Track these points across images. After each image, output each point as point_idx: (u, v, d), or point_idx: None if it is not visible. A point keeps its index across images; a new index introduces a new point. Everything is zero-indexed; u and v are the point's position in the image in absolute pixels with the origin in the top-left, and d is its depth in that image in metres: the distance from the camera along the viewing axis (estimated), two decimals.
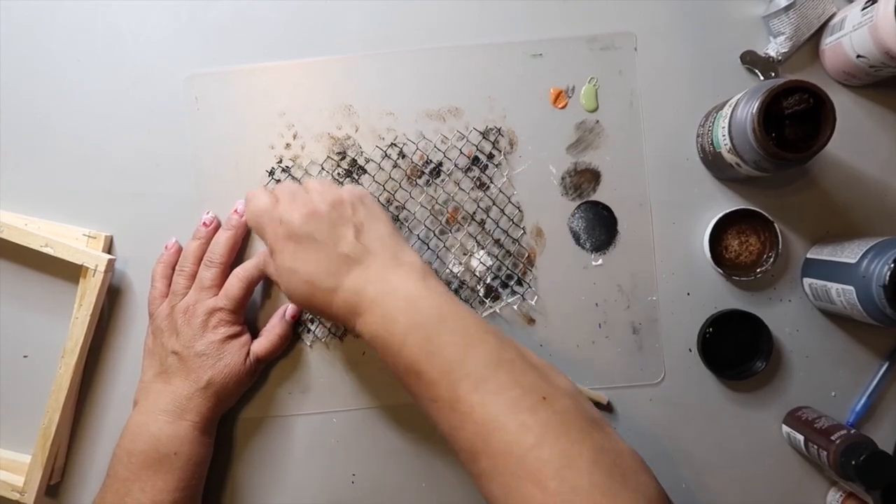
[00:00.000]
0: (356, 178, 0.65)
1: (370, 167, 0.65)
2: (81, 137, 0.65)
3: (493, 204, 0.65)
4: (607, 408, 0.64)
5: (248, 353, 0.61)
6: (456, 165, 0.65)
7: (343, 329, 0.65)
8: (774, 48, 0.64)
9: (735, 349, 0.63)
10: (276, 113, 0.65)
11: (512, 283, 0.65)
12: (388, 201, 0.65)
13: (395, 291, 0.50)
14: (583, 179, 0.65)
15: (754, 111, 0.53)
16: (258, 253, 0.64)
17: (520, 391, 0.46)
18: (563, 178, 0.65)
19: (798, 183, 0.64)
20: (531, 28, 0.65)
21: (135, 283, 0.65)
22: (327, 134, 0.65)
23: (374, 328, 0.49)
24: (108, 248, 0.65)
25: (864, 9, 0.57)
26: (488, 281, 0.65)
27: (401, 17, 0.65)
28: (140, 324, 0.64)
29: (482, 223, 0.65)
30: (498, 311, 0.65)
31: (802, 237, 0.64)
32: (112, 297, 0.65)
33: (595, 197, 0.65)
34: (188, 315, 0.60)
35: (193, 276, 0.61)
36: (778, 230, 0.62)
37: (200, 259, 0.62)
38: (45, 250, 0.61)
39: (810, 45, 0.64)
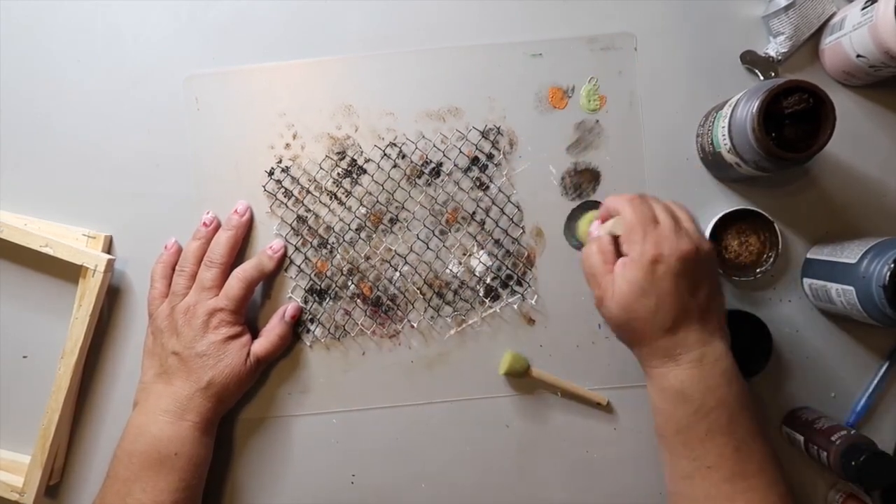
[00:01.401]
0: (356, 177, 0.65)
1: (370, 167, 0.65)
2: (81, 137, 0.65)
3: (493, 204, 0.65)
4: (607, 408, 0.64)
5: (248, 354, 0.61)
6: (456, 165, 0.65)
7: (342, 330, 0.65)
8: (774, 48, 0.64)
9: (735, 349, 0.62)
10: (276, 113, 0.65)
11: (512, 283, 0.65)
12: (388, 201, 0.65)
13: (717, 362, 0.52)
14: (583, 179, 0.65)
15: (754, 111, 0.53)
16: (258, 253, 0.64)
17: (785, 489, 0.53)
18: (562, 178, 0.65)
19: (798, 183, 0.64)
20: (531, 28, 0.65)
21: (134, 284, 0.65)
22: (327, 134, 0.65)
23: (684, 384, 0.52)
24: (108, 248, 0.65)
25: (863, 8, 0.57)
26: (488, 281, 0.65)
27: (401, 18, 0.65)
28: (140, 324, 0.64)
29: (482, 223, 0.65)
30: (498, 311, 0.65)
31: (802, 237, 0.64)
32: (112, 298, 0.65)
33: (595, 197, 0.65)
34: (189, 315, 0.60)
35: (194, 277, 0.61)
36: (778, 230, 0.62)
37: (200, 259, 0.62)
38: (44, 250, 0.61)
39: (810, 44, 0.64)
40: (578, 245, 0.65)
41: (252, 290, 0.62)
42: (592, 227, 0.57)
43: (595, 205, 0.65)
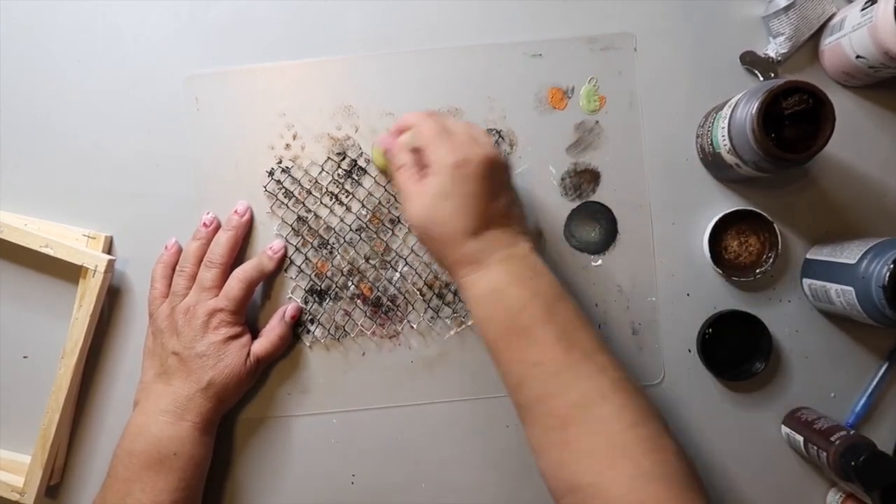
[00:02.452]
0: (356, 178, 0.65)
1: (370, 167, 0.65)
2: (81, 137, 0.65)
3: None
4: None
5: (248, 354, 0.61)
6: None
7: (342, 330, 0.65)
8: (774, 49, 0.64)
9: (734, 350, 0.63)
10: (276, 113, 0.65)
11: None
12: (388, 202, 0.65)
13: (524, 258, 0.53)
14: (582, 180, 0.65)
15: (754, 111, 0.53)
16: (258, 253, 0.64)
17: (620, 374, 0.50)
18: (562, 179, 0.65)
19: (797, 183, 0.64)
20: (531, 28, 0.65)
21: (135, 284, 0.65)
22: (327, 134, 0.65)
23: (495, 283, 0.52)
24: (108, 248, 0.65)
25: (863, 9, 0.57)
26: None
27: (401, 18, 0.65)
28: (140, 324, 0.64)
29: None
30: None
31: (802, 237, 0.64)
32: (112, 298, 0.65)
33: (595, 197, 0.65)
34: (189, 316, 0.60)
35: (194, 277, 0.61)
36: (777, 230, 0.62)
37: (201, 259, 0.62)
38: (44, 251, 0.62)
39: (810, 45, 0.64)
40: (578, 245, 0.64)
41: (252, 290, 0.62)
42: (384, 141, 0.58)
43: (595, 206, 0.65)
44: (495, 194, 0.53)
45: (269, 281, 0.65)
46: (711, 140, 0.60)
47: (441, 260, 0.55)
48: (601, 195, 0.65)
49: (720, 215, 0.62)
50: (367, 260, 0.65)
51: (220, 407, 0.60)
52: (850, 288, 0.56)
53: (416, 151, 0.54)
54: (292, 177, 0.65)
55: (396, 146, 0.56)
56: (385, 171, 0.64)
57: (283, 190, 0.65)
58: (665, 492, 0.46)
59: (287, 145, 0.65)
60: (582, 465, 0.48)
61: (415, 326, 0.65)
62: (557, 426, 0.49)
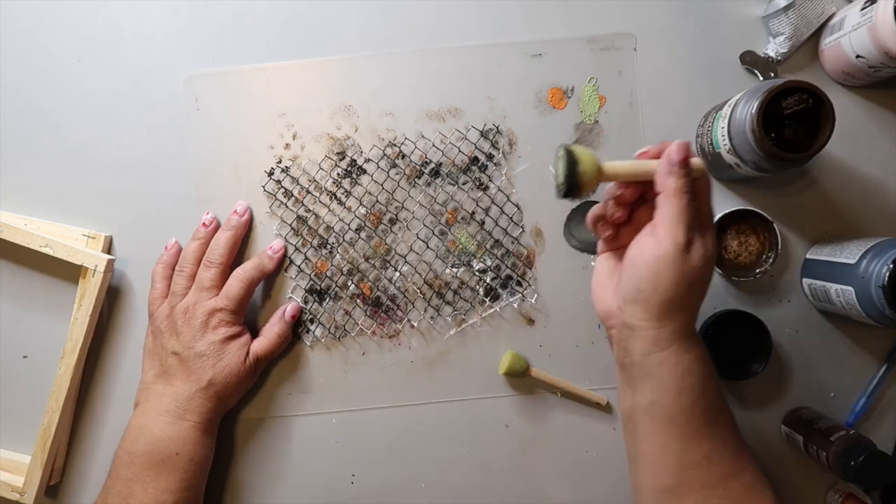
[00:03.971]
0: (356, 178, 0.65)
1: (369, 167, 0.65)
2: (81, 137, 0.65)
3: (493, 203, 0.65)
4: (607, 408, 0.64)
5: (248, 354, 0.61)
6: (455, 165, 0.65)
7: (342, 330, 0.65)
8: (774, 48, 0.64)
9: (734, 349, 0.63)
10: (276, 113, 0.65)
11: (512, 282, 0.65)
12: (388, 201, 0.65)
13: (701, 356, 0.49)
14: None
15: (753, 111, 0.53)
16: (258, 253, 0.64)
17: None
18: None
19: (797, 183, 0.64)
20: (531, 28, 0.65)
21: (134, 284, 0.65)
22: (327, 134, 0.65)
23: (706, 362, 0.49)
24: (108, 248, 0.65)
25: (863, 9, 0.57)
26: (488, 281, 0.65)
27: (400, 18, 0.65)
28: (140, 324, 0.64)
29: (482, 223, 0.65)
30: (498, 310, 0.65)
31: (802, 237, 0.64)
32: (112, 298, 0.65)
33: (595, 197, 0.65)
34: (188, 316, 0.60)
35: (193, 277, 0.61)
36: (777, 230, 0.62)
37: (200, 259, 0.62)
38: (44, 251, 0.62)
39: (810, 45, 0.64)
40: (578, 245, 0.65)
41: (252, 290, 0.62)
42: (679, 149, 0.47)
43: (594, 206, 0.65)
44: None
45: (269, 281, 0.65)
46: (711, 140, 0.60)
47: (680, 311, 0.48)
48: (601, 195, 0.65)
49: (720, 215, 0.62)
50: (366, 259, 0.65)
51: (220, 406, 0.60)
52: (850, 288, 0.56)
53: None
54: (292, 176, 0.65)
55: (686, 162, 0.47)
56: (512, 374, 0.63)
57: (283, 189, 0.65)
58: None
59: (287, 145, 0.65)
60: None
61: (415, 326, 0.65)
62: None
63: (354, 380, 0.65)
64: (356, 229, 0.65)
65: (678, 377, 0.48)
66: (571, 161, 0.47)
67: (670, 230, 0.46)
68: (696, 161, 0.48)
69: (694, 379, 0.48)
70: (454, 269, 0.65)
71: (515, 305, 0.65)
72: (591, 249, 0.65)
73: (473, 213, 0.65)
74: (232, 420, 0.65)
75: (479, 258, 0.65)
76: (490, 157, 0.65)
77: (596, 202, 0.64)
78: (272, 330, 0.63)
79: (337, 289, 0.65)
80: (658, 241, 0.46)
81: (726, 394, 0.64)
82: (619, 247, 0.53)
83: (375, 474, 0.65)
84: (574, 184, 0.47)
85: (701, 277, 0.47)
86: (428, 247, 0.65)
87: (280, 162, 0.65)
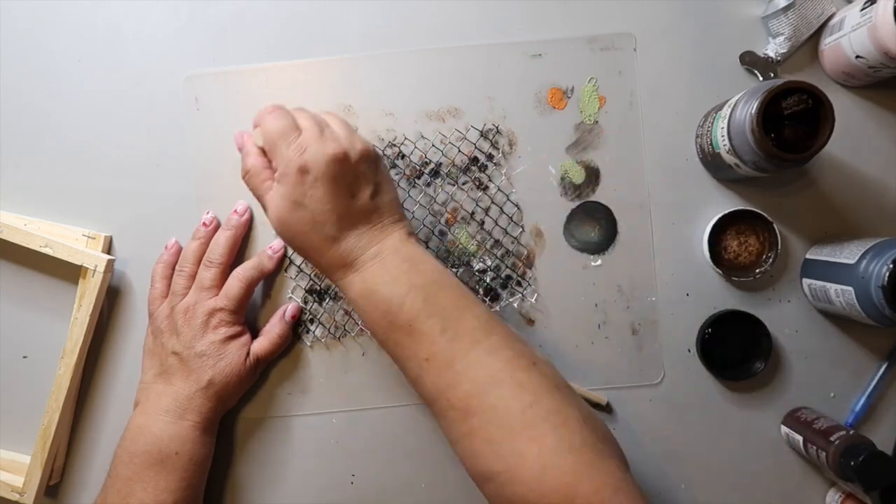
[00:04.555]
0: None
1: None
2: (81, 137, 0.65)
3: (493, 203, 0.65)
4: (606, 408, 0.64)
5: (248, 353, 0.61)
6: (455, 166, 0.65)
7: (342, 330, 0.65)
8: (773, 49, 0.64)
9: (734, 350, 0.63)
10: None
11: (511, 283, 0.65)
12: None
13: (396, 251, 0.51)
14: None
15: (753, 112, 0.53)
16: (258, 253, 0.64)
17: (512, 353, 0.49)
18: (562, 179, 0.65)
19: (797, 183, 0.64)
20: (531, 28, 0.65)
21: (134, 284, 0.65)
22: None
23: (371, 284, 0.50)
24: (108, 248, 0.65)
25: (862, 9, 0.57)
26: (488, 281, 0.65)
27: (400, 18, 0.65)
28: (140, 324, 0.64)
29: (482, 223, 0.65)
30: (498, 310, 0.65)
31: (801, 238, 0.64)
32: (112, 298, 0.65)
33: (594, 197, 0.65)
34: (188, 315, 0.60)
35: (193, 277, 0.61)
36: (777, 231, 0.62)
37: (200, 259, 0.62)
38: (44, 251, 0.62)
39: (809, 45, 0.64)
40: (578, 245, 0.65)
41: (252, 289, 0.62)
42: (237, 138, 0.55)
43: (595, 206, 0.65)
44: (353, 191, 0.51)
45: (269, 281, 0.65)
46: (711, 140, 0.60)
47: (309, 260, 0.53)
48: (601, 195, 0.65)
49: (720, 215, 0.62)
50: None
51: (220, 406, 0.60)
52: (850, 288, 0.56)
53: (264, 153, 0.52)
54: None
55: (247, 145, 0.53)
56: None
57: None
58: (576, 464, 0.45)
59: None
60: (489, 454, 0.47)
61: None
62: (459, 418, 0.48)
63: (354, 380, 0.65)
64: None
65: (355, 309, 0.53)
66: None
67: None
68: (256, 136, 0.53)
69: (362, 308, 0.51)
70: (454, 270, 0.65)
71: (515, 305, 0.65)
72: (591, 249, 0.65)
73: (473, 213, 0.65)
74: (232, 420, 0.65)
75: (479, 258, 0.65)
76: (490, 157, 0.65)
77: (597, 202, 0.65)
78: (272, 330, 0.63)
79: (337, 289, 0.65)
80: None
81: (727, 395, 0.64)
82: None
83: (375, 474, 0.65)
84: None
85: (282, 232, 0.52)
86: (428, 246, 0.65)
87: None
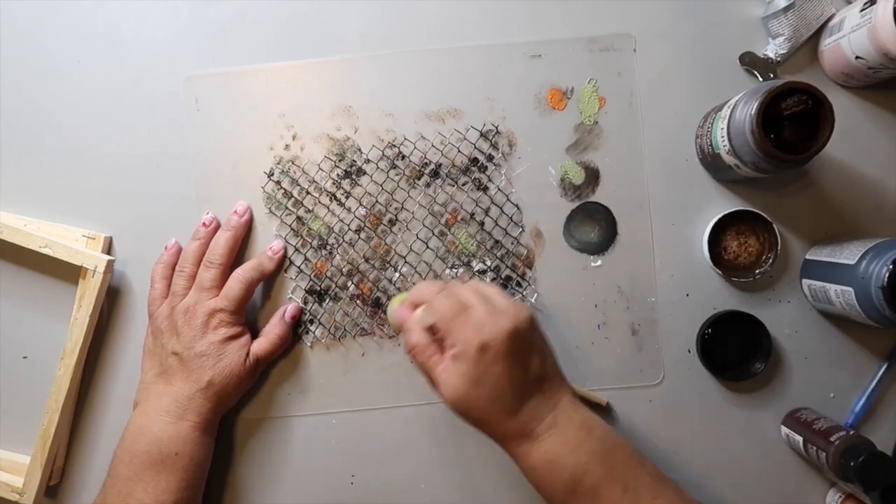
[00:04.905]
0: (355, 178, 0.65)
1: (369, 168, 0.65)
2: (81, 137, 0.65)
3: (493, 204, 0.65)
4: (607, 408, 0.64)
5: (248, 354, 0.61)
6: (455, 166, 0.65)
7: (342, 330, 0.65)
8: (773, 49, 0.64)
9: (734, 350, 0.63)
10: (276, 114, 0.65)
11: (511, 283, 0.65)
12: (387, 202, 0.65)
13: (570, 419, 0.52)
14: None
15: (753, 112, 0.53)
16: (258, 254, 0.64)
17: (683, 501, 0.52)
18: (562, 179, 0.65)
19: (797, 184, 0.64)
20: (531, 29, 0.65)
21: (134, 284, 0.65)
22: (326, 135, 0.65)
23: (552, 455, 0.51)
24: (108, 248, 0.65)
25: (862, 10, 0.57)
26: (488, 281, 0.65)
27: (400, 18, 0.65)
28: (140, 324, 0.64)
29: (482, 224, 0.65)
30: None
31: (801, 238, 0.64)
32: (112, 298, 0.65)
33: (594, 198, 0.65)
34: (188, 316, 0.60)
35: (193, 277, 0.61)
36: (777, 231, 0.62)
37: (200, 260, 0.62)
38: (44, 251, 0.62)
39: (809, 46, 0.64)
40: (578, 245, 0.65)
41: (252, 290, 0.62)
42: (399, 315, 0.55)
43: (594, 206, 0.65)
44: (526, 363, 0.51)
45: (269, 281, 0.65)
46: (711, 141, 0.60)
47: (483, 432, 0.53)
48: (600, 196, 0.65)
49: (719, 216, 0.62)
50: (366, 260, 0.65)
51: (219, 407, 0.60)
52: (850, 288, 0.56)
53: (432, 330, 0.52)
54: (291, 177, 0.65)
55: (410, 323, 0.53)
56: (399, 332, 0.63)
57: (283, 190, 0.65)
58: None
59: (286, 146, 0.65)
60: None
61: None
62: None
63: (354, 380, 0.65)
64: (356, 230, 0.65)
65: (529, 476, 0.53)
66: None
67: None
68: (418, 316, 0.53)
69: (541, 476, 0.51)
70: (454, 270, 0.65)
71: None
72: (591, 249, 0.65)
73: (473, 213, 0.65)
74: (232, 420, 0.65)
75: (479, 258, 0.65)
76: (490, 157, 0.65)
77: (597, 203, 0.65)
78: (272, 331, 0.63)
79: (337, 289, 0.65)
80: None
81: (727, 395, 0.64)
82: None
83: (375, 474, 0.65)
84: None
85: (458, 408, 0.51)
86: (428, 247, 0.65)
87: (280, 162, 0.65)
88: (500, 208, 0.65)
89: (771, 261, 0.62)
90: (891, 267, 0.52)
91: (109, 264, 0.62)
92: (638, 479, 0.51)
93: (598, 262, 0.65)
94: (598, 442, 0.51)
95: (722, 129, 0.58)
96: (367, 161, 0.65)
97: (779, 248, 0.62)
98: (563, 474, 0.50)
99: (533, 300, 0.65)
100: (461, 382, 0.50)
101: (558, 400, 0.52)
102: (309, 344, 0.65)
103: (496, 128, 0.65)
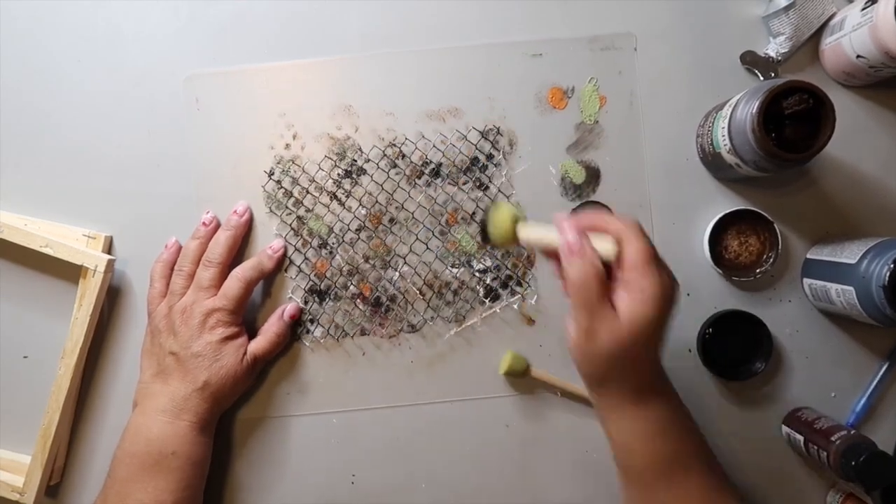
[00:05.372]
0: (355, 178, 0.65)
1: (369, 167, 0.65)
2: (81, 137, 0.65)
3: (493, 203, 0.65)
4: None
5: (245, 354, 0.61)
6: (455, 166, 0.65)
7: (342, 330, 0.65)
8: (774, 48, 0.64)
9: (735, 350, 0.63)
10: (276, 113, 0.65)
11: (512, 283, 0.65)
12: (388, 202, 0.65)
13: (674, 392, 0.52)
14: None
15: (754, 111, 0.53)
16: (258, 253, 0.64)
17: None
18: (562, 179, 0.65)
19: (798, 183, 0.64)
20: (531, 28, 0.65)
21: (135, 284, 0.65)
22: (327, 134, 0.65)
23: (670, 414, 0.50)
24: (108, 248, 0.65)
25: (863, 9, 0.57)
26: (488, 281, 0.65)
27: (400, 18, 0.65)
28: (140, 324, 0.64)
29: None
30: (498, 311, 0.65)
31: (802, 237, 0.64)
32: (112, 298, 0.65)
33: (595, 197, 0.65)
34: (186, 315, 0.60)
35: (192, 276, 0.61)
36: (778, 230, 0.62)
37: (199, 259, 0.62)
38: (44, 251, 0.62)
39: (810, 45, 0.64)
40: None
41: (251, 290, 0.62)
42: (570, 239, 0.47)
43: (595, 206, 0.65)
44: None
45: (269, 281, 0.65)
46: (711, 140, 0.60)
47: (607, 382, 0.49)
48: (601, 195, 0.65)
49: (720, 215, 0.62)
50: (366, 260, 0.65)
51: (216, 407, 0.60)
52: (851, 288, 0.56)
53: (606, 265, 0.47)
54: (292, 177, 0.65)
55: (588, 250, 0.47)
56: (512, 374, 0.63)
57: (283, 190, 0.65)
58: None
59: (287, 145, 0.65)
60: None
61: (415, 326, 0.65)
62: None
63: (354, 380, 0.65)
64: (356, 230, 0.65)
65: (619, 440, 0.51)
66: (485, 221, 0.51)
67: (575, 319, 0.48)
68: (606, 249, 0.48)
69: (636, 441, 0.50)
70: (454, 270, 0.65)
71: (515, 306, 0.65)
72: None
73: (473, 213, 0.65)
74: (231, 420, 0.65)
75: (479, 258, 0.65)
76: (490, 157, 0.65)
77: (597, 202, 0.64)
78: (270, 329, 0.63)
79: (337, 289, 0.65)
80: (568, 329, 0.49)
81: (727, 395, 0.64)
82: None
83: (375, 474, 0.65)
84: (486, 239, 0.50)
85: (618, 355, 0.47)
86: (428, 247, 0.65)
87: (280, 162, 0.65)
88: None
89: (772, 260, 0.62)
90: (892, 266, 0.52)
91: (110, 264, 0.62)
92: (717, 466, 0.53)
93: None
94: (692, 421, 0.52)
95: (723, 128, 0.58)
96: (368, 160, 0.65)
97: (780, 247, 0.62)
98: (669, 438, 0.50)
99: (533, 301, 0.65)
100: (646, 325, 0.46)
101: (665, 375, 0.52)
102: (309, 344, 0.65)
103: (497, 127, 0.65)
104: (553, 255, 0.50)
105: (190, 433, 0.58)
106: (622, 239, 0.47)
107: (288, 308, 0.64)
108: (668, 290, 0.47)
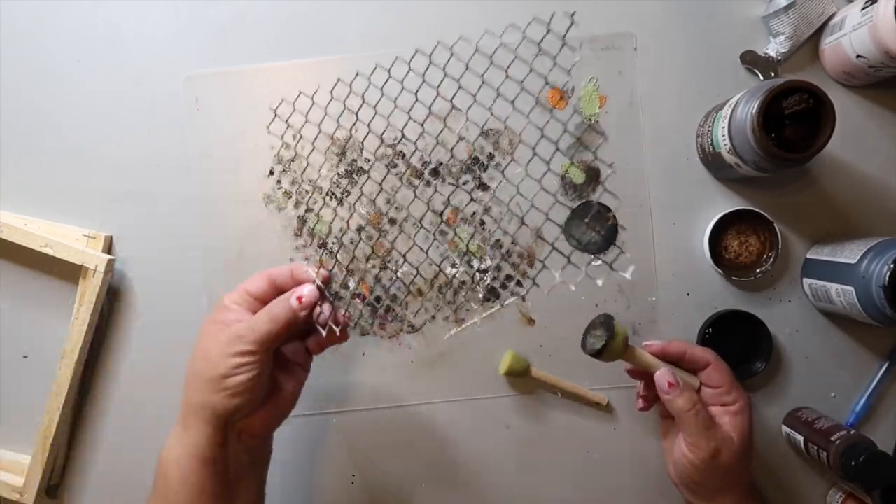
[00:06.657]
0: (355, 178, 0.65)
1: (369, 167, 0.65)
2: (81, 137, 0.65)
3: (493, 203, 0.65)
4: (607, 408, 0.64)
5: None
6: (456, 165, 0.65)
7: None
8: (774, 48, 0.64)
9: (735, 350, 0.63)
10: (277, 113, 0.65)
11: (512, 283, 0.65)
12: (388, 202, 0.65)
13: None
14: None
15: (754, 111, 0.53)
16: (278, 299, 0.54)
17: None
18: (562, 178, 0.65)
19: (798, 183, 0.64)
20: (531, 28, 0.65)
21: (134, 284, 0.65)
22: (327, 134, 0.65)
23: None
24: (108, 248, 0.65)
25: (863, 9, 0.57)
26: (488, 281, 0.65)
27: (400, 18, 0.65)
28: (140, 324, 0.64)
29: (482, 223, 0.65)
30: (498, 310, 0.65)
31: (802, 237, 0.64)
32: (112, 298, 0.65)
33: (595, 197, 0.65)
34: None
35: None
36: (778, 230, 0.62)
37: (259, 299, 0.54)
38: (44, 250, 0.62)
39: (810, 45, 0.64)
40: (578, 245, 0.64)
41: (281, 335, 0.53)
42: (665, 376, 0.54)
43: (595, 206, 0.65)
44: None
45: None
46: (712, 140, 0.60)
47: (721, 493, 0.55)
48: (601, 195, 0.65)
49: (720, 215, 0.62)
50: (367, 260, 0.65)
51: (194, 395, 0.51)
52: (851, 288, 0.56)
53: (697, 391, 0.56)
54: (292, 177, 0.65)
55: (685, 385, 0.54)
56: (512, 374, 0.64)
57: (283, 190, 0.65)
58: None
59: (287, 145, 0.65)
60: None
61: (415, 326, 0.65)
62: None
63: (354, 380, 0.65)
64: (356, 229, 0.65)
65: None
66: (609, 335, 0.52)
67: (696, 445, 0.53)
68: (693, 381, 0.56)
69: None
70: (454, 269, 0.65)
71: (516, 305, 0.65)
72: (591, 249, 0.65)
73: (474, 213, 0.65)
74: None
75: (480, 258, 0.65)
76: (490, 157, 0.65)
77: (597, 202, 0.64)
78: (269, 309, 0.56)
79: (337, 289, 0.65)
80: (690, 453, 0.54)
81: None
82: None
83: (375, 474, 0.65)
84: (600, 354, 0.52)
85: (735, 466, 0.54)
86: (428, 247, 0.65)
87: (280, 162, 0.65)
88: (500, 209, 0.65)
89: (772, 260, 0.62)
90: (892, 266, 0.52)
91: (110, 264, 0.62)
92: None
93: (599, 262, 0.65)
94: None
95: (723, 127, 0.58)
96: (368, 160, 0.65)
97: (780, 247, 0.62)
98: None
99: (533, 301, 0.65)
100: (749, 435, 0.54)
101: None
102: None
103: (497, 128, 0.65)
104: (642, 375, 0.58)
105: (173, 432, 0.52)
106: (709, 362, 0.55)
107: (297, 290, 0.53)
108: (749, 399, 0.55)
